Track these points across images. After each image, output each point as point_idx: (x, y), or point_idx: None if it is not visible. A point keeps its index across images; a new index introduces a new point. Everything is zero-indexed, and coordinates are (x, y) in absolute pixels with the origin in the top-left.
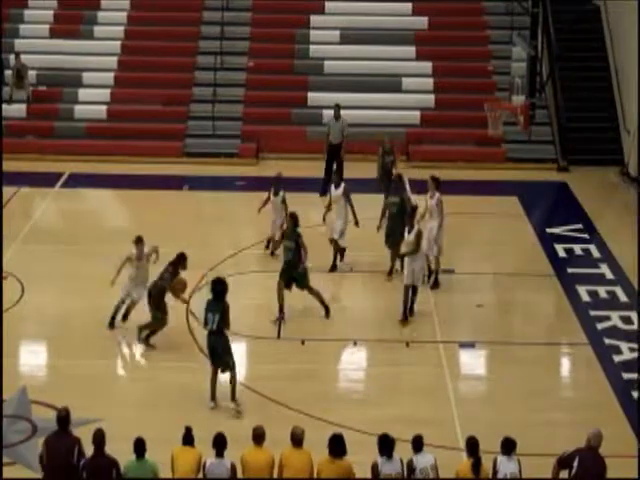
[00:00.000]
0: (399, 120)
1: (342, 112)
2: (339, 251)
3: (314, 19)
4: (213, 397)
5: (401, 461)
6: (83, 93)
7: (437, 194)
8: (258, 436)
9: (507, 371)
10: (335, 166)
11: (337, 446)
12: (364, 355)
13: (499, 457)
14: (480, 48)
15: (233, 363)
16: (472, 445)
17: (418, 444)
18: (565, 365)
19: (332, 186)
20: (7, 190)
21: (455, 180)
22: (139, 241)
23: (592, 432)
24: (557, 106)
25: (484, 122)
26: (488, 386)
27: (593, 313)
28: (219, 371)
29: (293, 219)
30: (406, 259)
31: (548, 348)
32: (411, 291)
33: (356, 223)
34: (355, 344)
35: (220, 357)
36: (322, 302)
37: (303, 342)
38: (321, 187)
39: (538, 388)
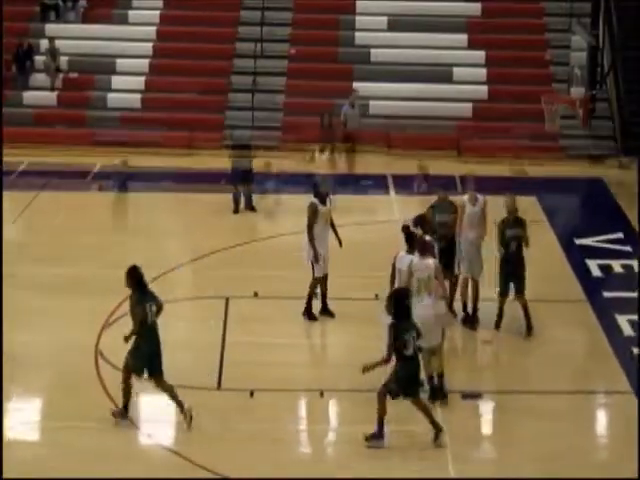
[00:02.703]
0: (450, 112)
1: (389, 103)
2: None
3: (360, 4)
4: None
5: None
6: (117, 80)
7: (480, 197)
8: None
9: (523, 428)
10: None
11: None
12: (334, 410)
13: None
14: (537, 36)
15: (415, 392)
16: None
17: None
18: (600, 420)
19: (317, 201)
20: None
21: (500, 177)
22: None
23: None
24: (619, 99)
25: (540, 115)
26: (497, 448)
27: (638, 351)
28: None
29: None
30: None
31: (578, 398)
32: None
33: (340, 243)
34: (322, 395)
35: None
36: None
37: (252, 393)
38: (233, 203)
39: (563, 450)
